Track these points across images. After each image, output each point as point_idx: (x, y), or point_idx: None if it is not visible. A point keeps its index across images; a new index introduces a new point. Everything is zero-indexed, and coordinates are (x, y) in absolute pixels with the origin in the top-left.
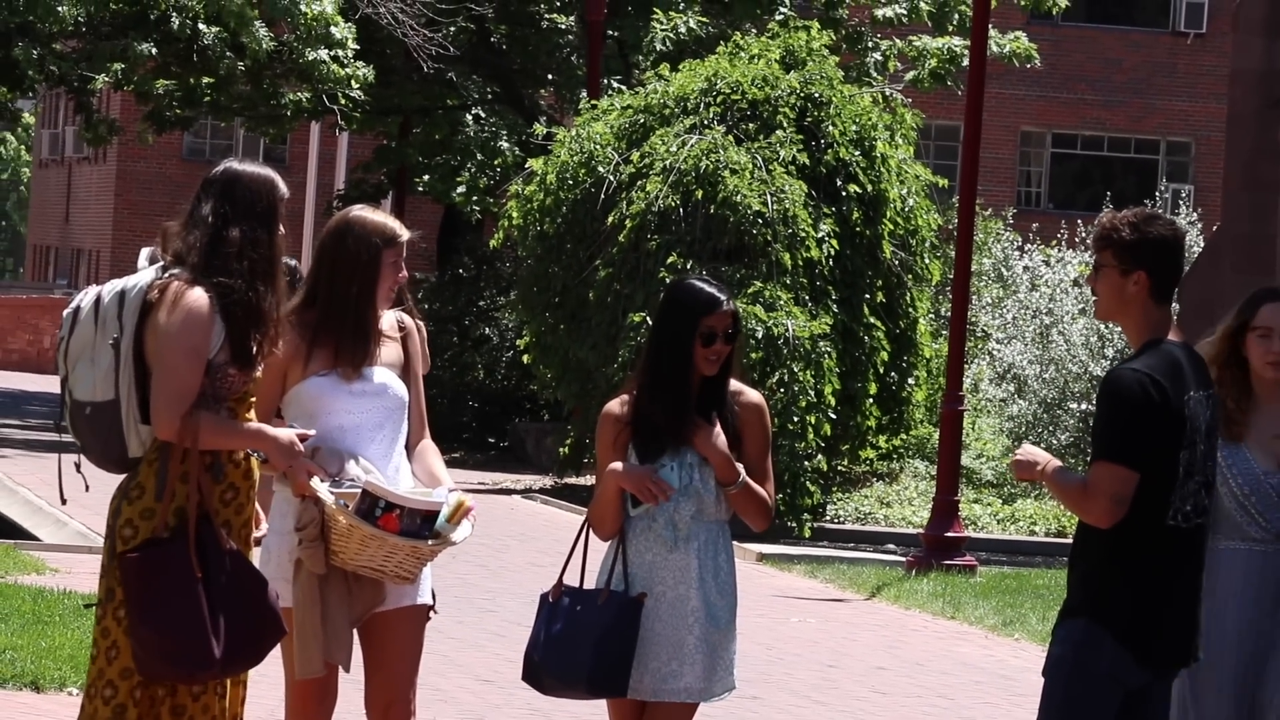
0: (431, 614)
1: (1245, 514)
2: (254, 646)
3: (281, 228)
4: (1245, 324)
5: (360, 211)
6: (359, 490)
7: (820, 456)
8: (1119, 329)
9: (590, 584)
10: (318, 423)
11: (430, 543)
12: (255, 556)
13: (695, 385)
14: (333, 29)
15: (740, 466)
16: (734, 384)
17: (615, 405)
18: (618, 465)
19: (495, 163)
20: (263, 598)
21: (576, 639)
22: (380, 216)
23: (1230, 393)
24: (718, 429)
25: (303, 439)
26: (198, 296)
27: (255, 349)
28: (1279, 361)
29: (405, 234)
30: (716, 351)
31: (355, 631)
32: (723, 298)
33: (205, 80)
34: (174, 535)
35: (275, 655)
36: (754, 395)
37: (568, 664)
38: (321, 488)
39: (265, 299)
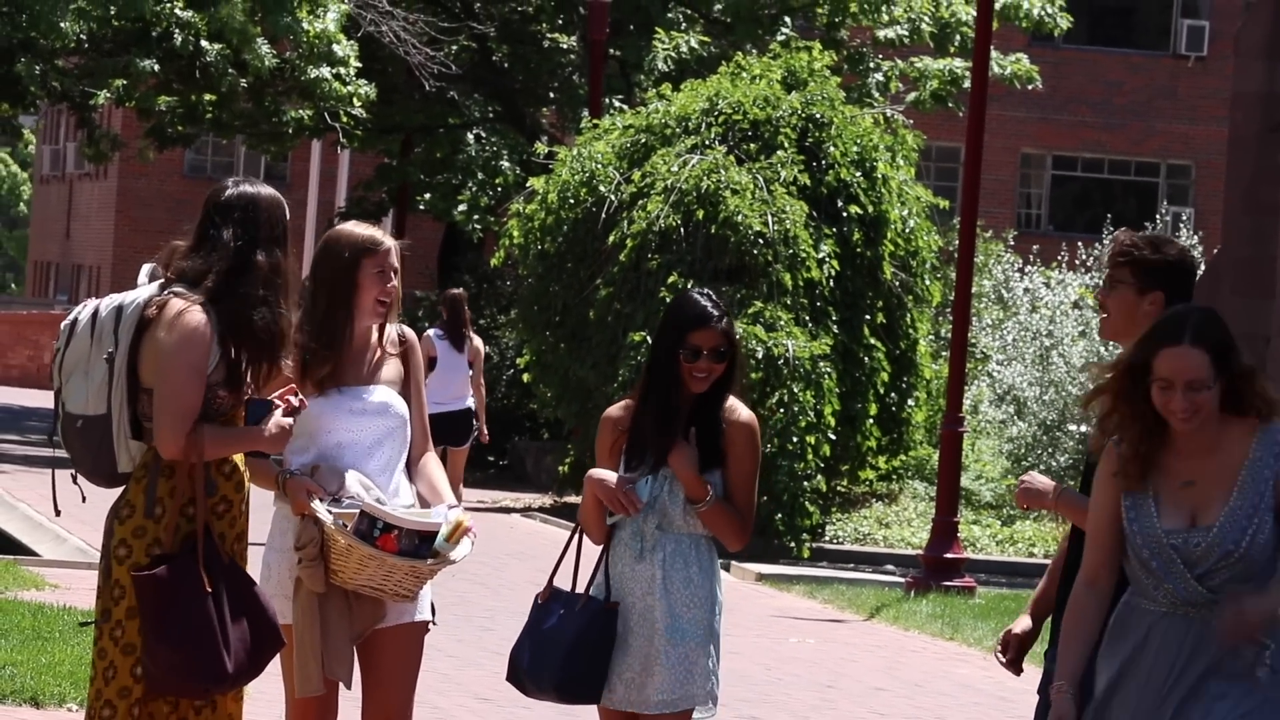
0: (431, 625)
1: (1148, 574)
2: (255, 659)
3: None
4: (1147, 363)
5: (342, 225)
6: (358, 510)
7: (820, 477)
8: (1120, 350)
9: (581, 588)
10: (318, 442)
11: (429, 562)
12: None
13: (688, 401)
14: (335, 47)
15: (710, 487)
16: (730, 402)
17: (616, 410)
18: (595, 472)
19: (496, 181)
20: (261, 611)
21: (554, 643)
22: (362, 227)
23: (1130, 432)
24: (691, 446)
25: (297, 408)
26: (196, 316)
27: (248, 371)
28: (1188, 416)
29: (388, 242)
30: (703, 369)
31: (355, 648)
32: (713, 314)
33: (207, 97)
34: (183, 550)
35: (274, 672)
36: (745, 414)
37: (541, 666)
38: (320, 507)
39: (288, 322)
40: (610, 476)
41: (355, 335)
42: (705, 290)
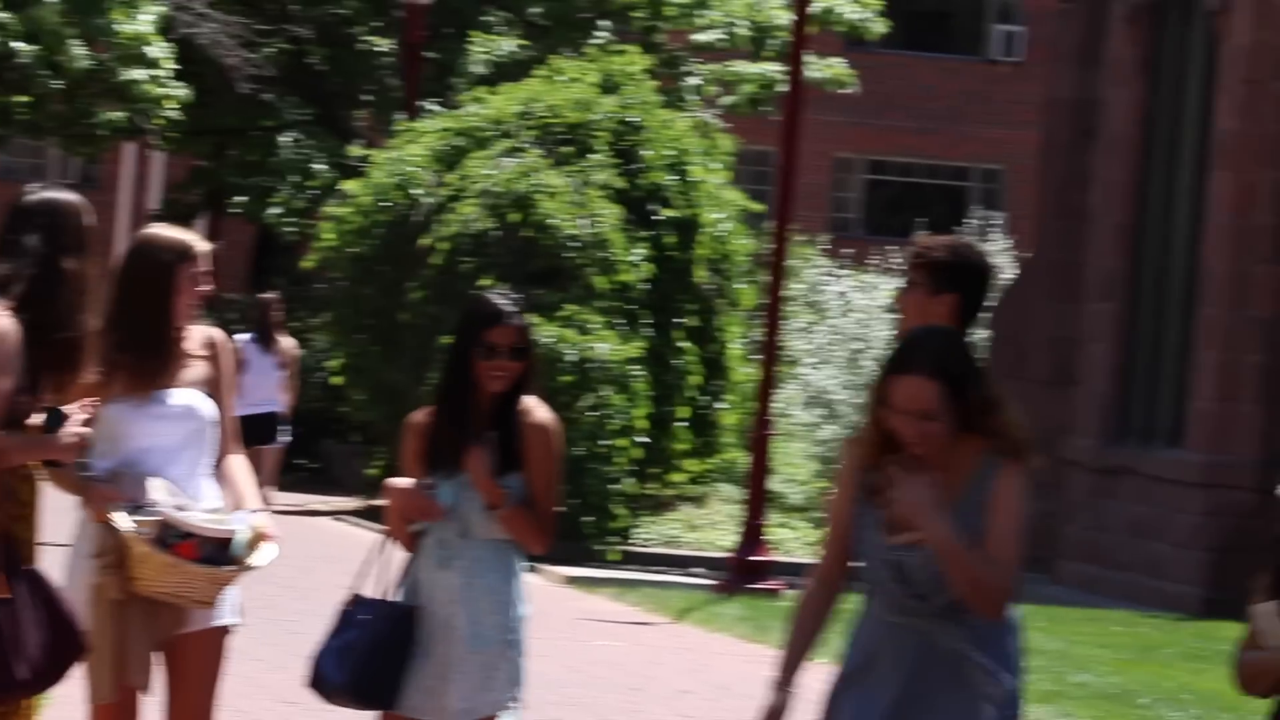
0: (233, 628)
1: (872, 585)
2: (56, 665)
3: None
4: (882, 388)
5: (154, 229)
6: (157, 518)
7: (630, 480)
8: None
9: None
10: (122, 447)
11: (229, 569)
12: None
13: (486, 403)
14: (150, 49)
15: (507, 491)
16: (527, 403)
17: (420, 415)
18: (394, 481)
19: (310, 184)
20: (63, 616)
21: (354, 648)
22: (176, 232)
23: (868, 446)
24: (486, 450)
25: (91, 419)
26: (4, 322)
27: (48, 377)
28: (918, 443)
29: (203, 247)
30: (499, 367)
31: (157, 654)
32: (509, 312)
33: (20, 99)
34: None
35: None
36: (542, 415)
37: (340, 672)
38: (120, 514)
39: (84, 328)
40: (407, 484)
41: (166, 339)
42: (501, 289)
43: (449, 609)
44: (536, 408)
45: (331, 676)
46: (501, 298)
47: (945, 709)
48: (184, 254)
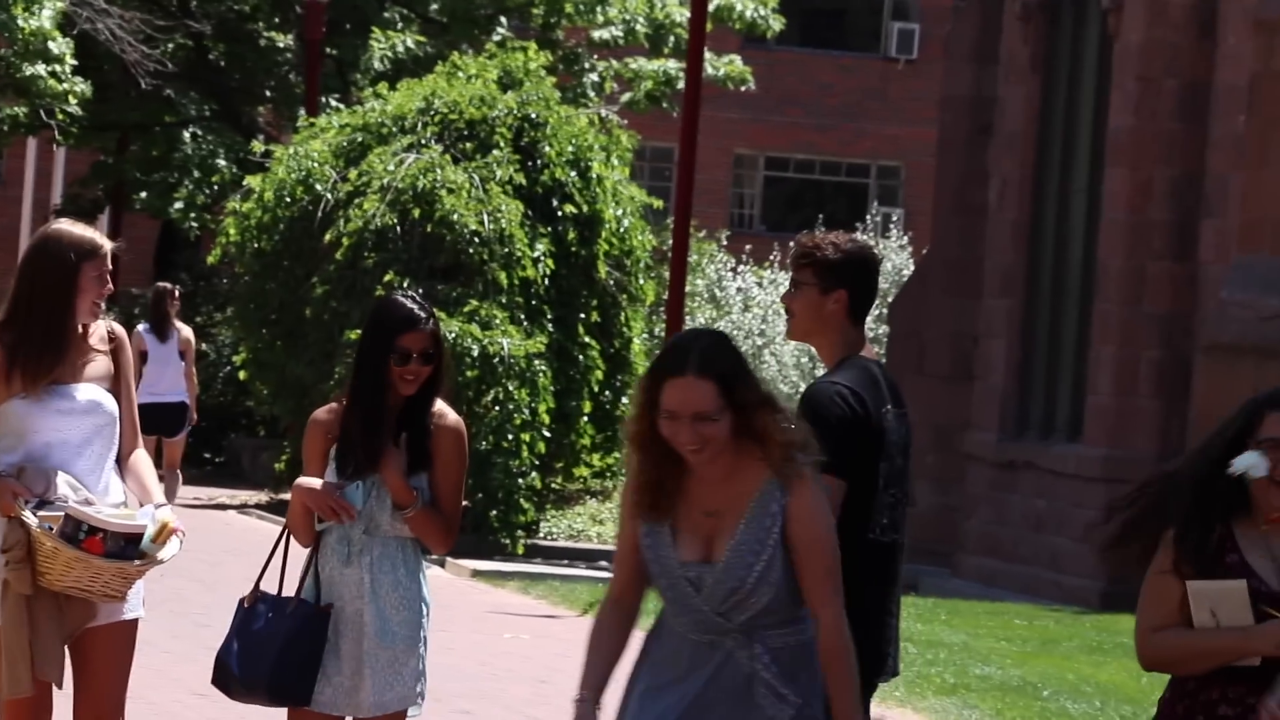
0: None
1: (669, 603)
2: None
3: None
4: (654, 394)
5: (60, 225)
6: (64, 513)
7: (535, 474)
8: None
9: (289, 592)
10: (26, 442)
11: (136, 563)
12: None
13: (397, 405)
14: (50, 44)
15: (417, 493)
16: (438, 405)
17: (323, 413)
18: (304, 480)
19: (213, 179)
20: None
21: (264, 645)
22: (81, 229)
23: (646, 462)
24: (400, 452)
25: None
26: None
27: None
28: (697, 448)
29: (107, 245)
30: (413, 371)
31: (66, 648)
32: (421, 316)
33: None
34: None
35: None
36: (452, 418)
37: (252, 669)
38: (25, 510)
39: None
40: (318, 484)
41: (68, 336)
42: (410, 292)
43: (356, 604)
44: (447, 412)
45: (243, 675)
46: (413, 302)
47: None
48: (88, 251)
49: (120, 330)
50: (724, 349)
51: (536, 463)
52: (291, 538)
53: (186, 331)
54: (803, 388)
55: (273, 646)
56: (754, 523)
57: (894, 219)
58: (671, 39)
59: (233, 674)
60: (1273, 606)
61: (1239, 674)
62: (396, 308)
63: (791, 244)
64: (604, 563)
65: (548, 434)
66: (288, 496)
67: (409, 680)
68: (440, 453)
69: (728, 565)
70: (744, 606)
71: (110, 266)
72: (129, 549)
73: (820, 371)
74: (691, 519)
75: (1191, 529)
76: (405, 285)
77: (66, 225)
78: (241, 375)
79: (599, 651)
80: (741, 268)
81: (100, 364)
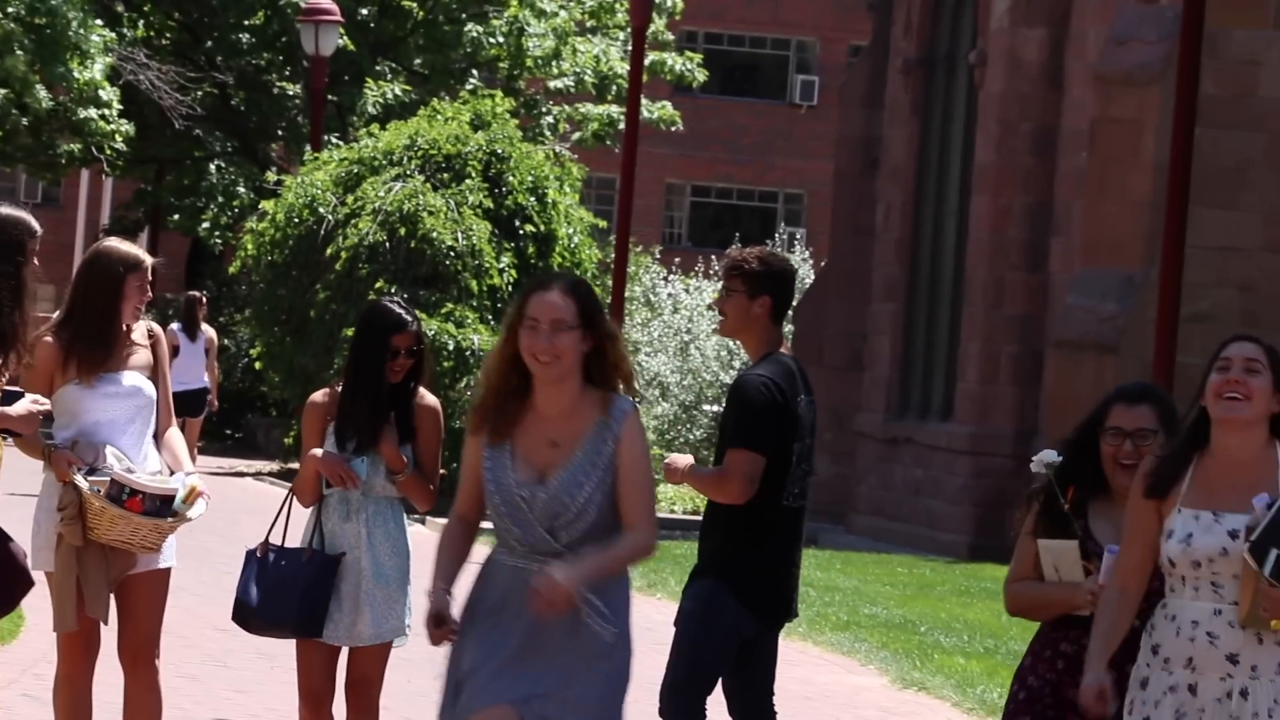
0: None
1: (502, 520)
2: (6, 598)
3: (34, 260)
4: (521, 309)
5: (110, 242)
6: (109, 478)
7: None
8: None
9: (291, 544)
10: (79, 420)
11: (169, 520)
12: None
13: (387, 391)
14: (100, 92)
15: (407, 462)
16: (420, 391)
17: (319, 396)
18: (318, 451)
19: (234, 204)
20: (11, 558)
21: (286, 587)
22: (127, 246)
23: (494, 386)
24: (392, 428)
25: (38, 411)
26: None
27: None
28: (549, 358)
29: (149, 260)
30: (400, 365)
31: (111, 591)
32: (408, 321)
33: None
34: None
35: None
36: (431, 401)
37: (277, 609)
38: (78, 475)
39: (21, 323)
40: (332, 455)
41: (115, 333)
42: (396, 299)
43: (355, 553)
44: (426, 395)
45: (267, 612)
46: (400, 308)
47: (560, 652)
48: (133, 265)
49: (158, 329)
50: (587, 285)
51: None
52: (294, 500)
53: (211, 332)
54: (723, 376)
55: (296, 588)
56: (589, 451)
57: (798, 237)
58: (614, 88)
59: (253, 611)
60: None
61: (1079, 620)
62: (388, 313)
63: (714, 257)
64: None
65: None
66: (295, 466)
67: (399, 614)
68: (422, 428)
69: (561, 484)
70: (571, 527)
71: (150, 277)
72: (164, 508)
73: (739, 365)
74: (531, 445)
75: (1051, 499)
76: (393, 291)
77: (114, 243)
78: (257, 365)
79: (447, 554)
80: (671, 277)
81: (141, 356)
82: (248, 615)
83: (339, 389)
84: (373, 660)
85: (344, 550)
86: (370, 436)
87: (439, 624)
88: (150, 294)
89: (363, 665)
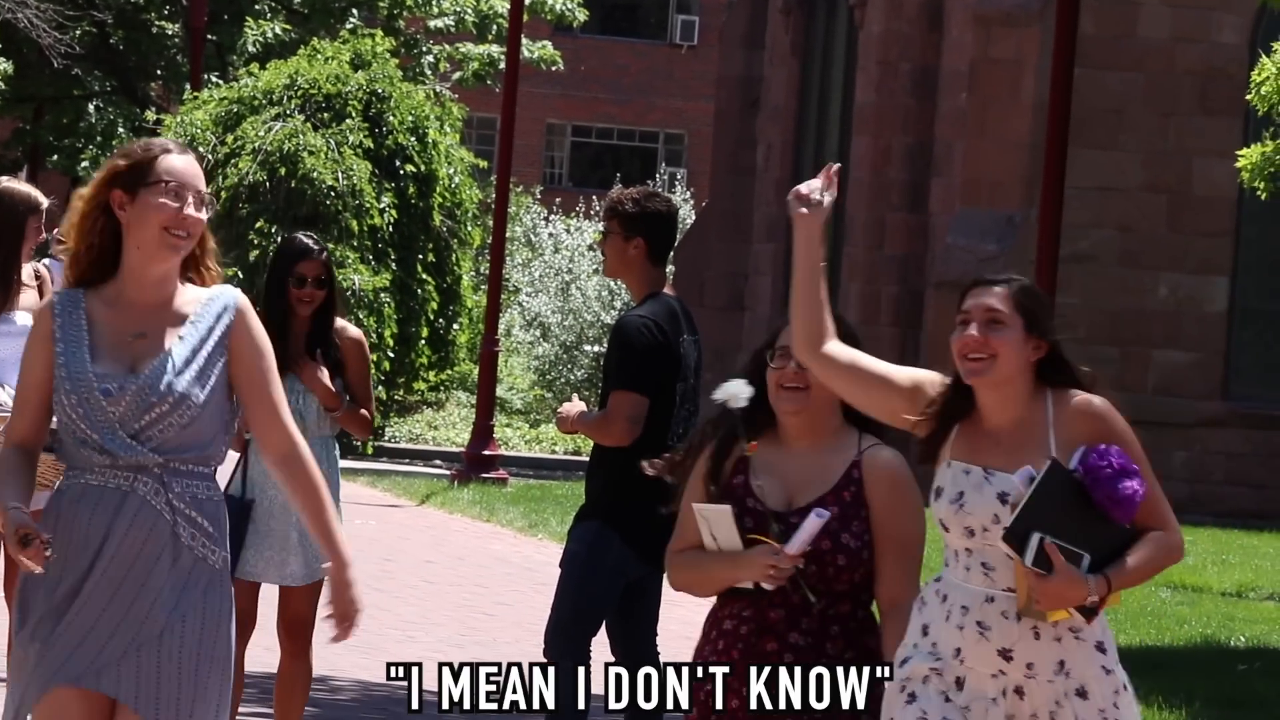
0: None
1: (73, 424)
2: None
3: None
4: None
5: (7, 183)
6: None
7: (381, 388)
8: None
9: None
10: None
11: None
12: None
13: (303, 326)
14: None
15: (342, 396)
16: (339, 323)
17: None
18: None
19: (113, 143)
20: None
21: None
22: (25, 187)
23: (89, 264)
24: (319, 364)
25: None
26: None
27: None
28: (184, 235)
29: (45, 202)
30: (308, 295)
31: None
32: (314, 249)
33: None
34: None
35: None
36: (354, 332)
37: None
38: None
39: None
40: None
41: (12, 274)
42: (310, 234)
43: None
44: (347, 326)
45: None
46: (309, 239)
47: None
48: (33, 207)
49: (43, 269)
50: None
51: (382, 378)
52: None
53: None
54: (604, 316)
55: None
56: (189, 337)
57: (679, 177)
58: (494, 28)
59: None
60: (761, 528)
61: (743, 592)
62: (294, 242)
63: (595, 198)
64: (438, 461)
65: (392, 354)
66: None
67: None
68: (349, 360)
69: (153, 372)
70: (163, 425)
71: (43, 218)
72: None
73: (620, 305)
74: (116, 341)
75: (717, 453)
76: (274, 231)
77: (12, 184)
78: None
79: (12, 474)
80: (553, 217)
81: (30, 296)
82: None
83: None
84: (305, 600)
85: (264, 493)
86: (281, 362)
87: (25, 543)
88: (44, 235)
89: (296, 605)
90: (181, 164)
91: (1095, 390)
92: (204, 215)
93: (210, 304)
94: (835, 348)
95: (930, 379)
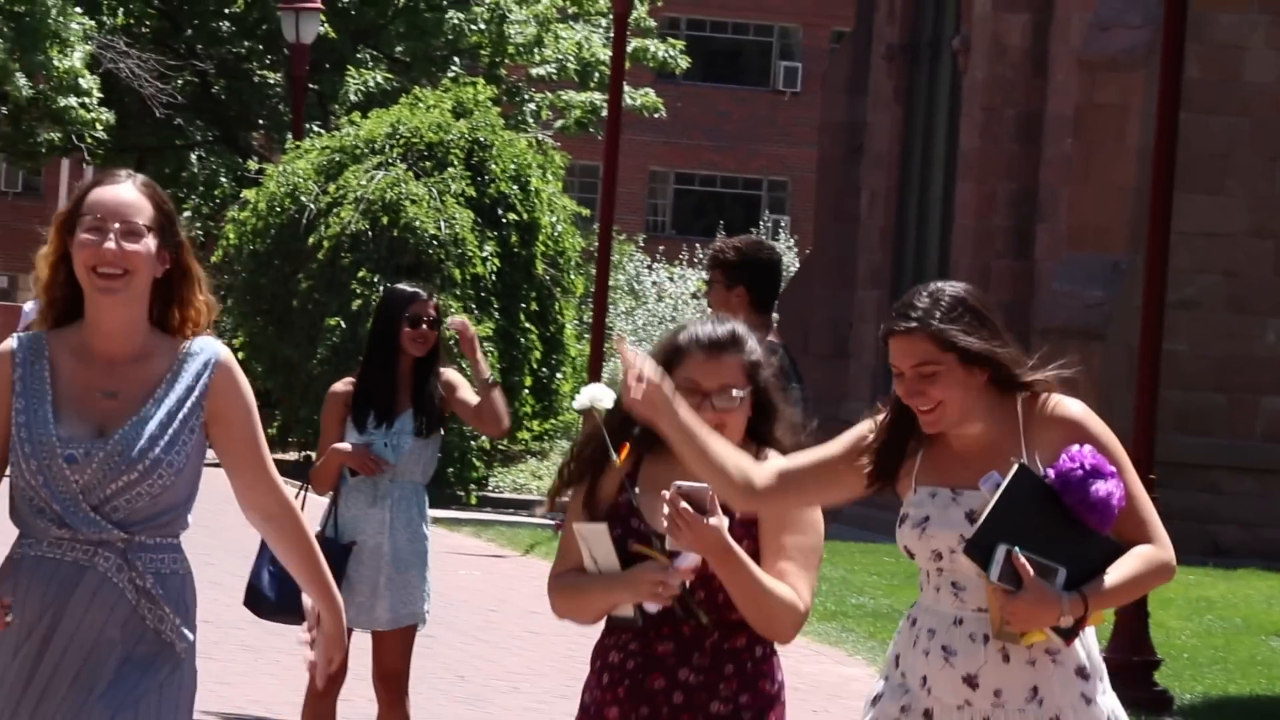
0: None
1: (33, 491)
2: None
3: None
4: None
5: None
6: None
7: (484, 438)
8: None
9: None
10: None
11: None
12: None
13: (408, 369)
14: (80, 80)
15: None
16: (445, 373)
17: (340, 386)
18: (342, 446)
19: (215, 192)
20: None
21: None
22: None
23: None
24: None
25: None
26: None
27: None
28: (118, 261)
29: None
30: (423, 335)
31: None
32: (424, 293)
33: None
34: None
35: None
36: (456, 376)
37: (288, 595)
38: None
39: None
40: (349, 447)
41: None
42: (413, 282)
43: (377, 539)
44: (448, 372)
45: (280, 598)
46: (412, 286)
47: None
48: None
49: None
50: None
51: None
52: (310, 488)
53: None
54: None
55: None
56: (165, 398)
57: (782, 224)
58: (596, 75)
59: (266, 597)
60: (645, 545)
61: (624, 619)
62: (401, 290)
63: (699, 245)
64: (542, 511)
65: None
66: (278, 456)
67: (418, 600)
68: (450, 394)
69: (123, 438)
70: (130, 494)
71: None
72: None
73: None
74: (83, 398)
75: (594, 469)
76: (376, 281)
77: None
78: (239, 355)
79: None
80: (656, 265)
81: None
82: (260, 601)
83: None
84: (396, 651)
85: (354, 539)
86: (390, 406)
87: None
88: None
89: (388, 658)
90: (108, 194)
91: (1067, 391)
92: (139, 246)
93: (190, 360)
94: (762, 479)
95: (864, 430)
